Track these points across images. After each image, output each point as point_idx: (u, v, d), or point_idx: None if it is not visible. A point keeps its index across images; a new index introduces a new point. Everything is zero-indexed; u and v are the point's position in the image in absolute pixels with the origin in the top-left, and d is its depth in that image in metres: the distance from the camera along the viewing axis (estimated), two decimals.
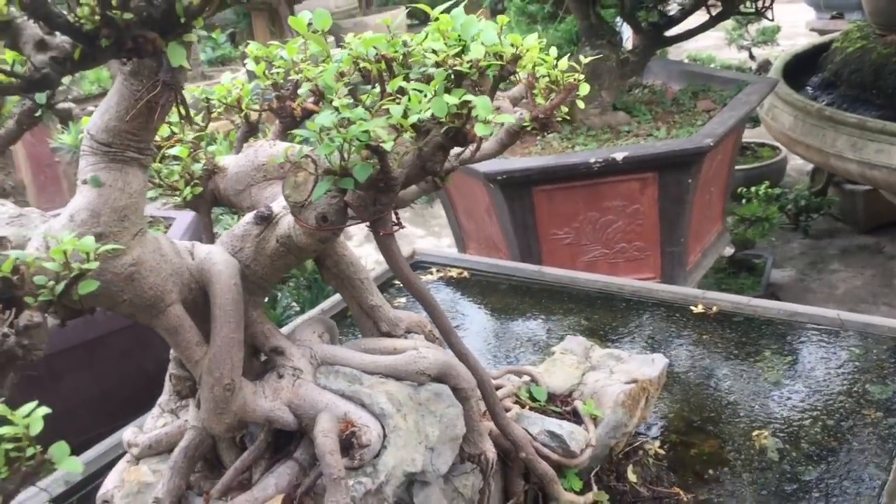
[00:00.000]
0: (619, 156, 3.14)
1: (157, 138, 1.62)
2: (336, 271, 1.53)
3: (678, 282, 3.48)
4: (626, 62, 3.75)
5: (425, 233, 6.22)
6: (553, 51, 1.60)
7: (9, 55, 0.90)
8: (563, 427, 1.75)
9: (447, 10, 1.29)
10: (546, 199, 3.31)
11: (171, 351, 1.52)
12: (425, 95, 1.17)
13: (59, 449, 0.88)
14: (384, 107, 1.14)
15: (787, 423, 2.06)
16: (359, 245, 5.60)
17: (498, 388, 1.86)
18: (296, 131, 1.28)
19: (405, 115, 1.13)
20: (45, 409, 0.87)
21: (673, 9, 4.12)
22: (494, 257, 3.54)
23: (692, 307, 2.64)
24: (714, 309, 2.61)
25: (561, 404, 1.93)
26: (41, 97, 1.57)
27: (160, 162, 1.67)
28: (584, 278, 2.89)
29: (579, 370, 2.02)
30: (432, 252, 3.26)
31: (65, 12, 0.83)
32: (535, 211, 3.33)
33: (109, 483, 1.55)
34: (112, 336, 2.42)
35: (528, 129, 1.64)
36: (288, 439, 1.49)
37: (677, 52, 7.37)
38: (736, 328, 2.51)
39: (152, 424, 1.61)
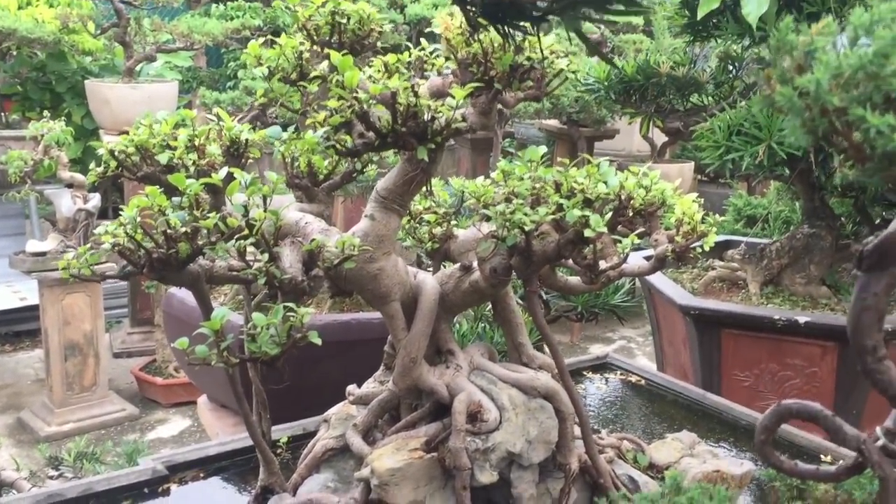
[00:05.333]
0: (801, 319, 3.60)
1: (421, 208, 2.50)
2: (504, 314, 2.30)
3: None
4: (846, 247, 4.17)
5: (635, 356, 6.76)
6: (696, 206, 2.29)
7: (344, 138, 1.81)
8: (641, 477, 2.34)
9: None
10: (732, 342, 3.82)
11: (388, 338, 2.36)
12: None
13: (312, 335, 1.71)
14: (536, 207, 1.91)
15: None
16: None
17: (611, 445, 2.49)
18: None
19: (549, 214, 1.89)
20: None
21: None
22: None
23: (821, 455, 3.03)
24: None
25: (655, 472, 2.50)
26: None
27: (418, 223, 2.55)
28: (739, 410, 3.37)
29: (681, 454, 2.58)
30: (622, 359, 3.89)
31: (375, 122, 1.72)
32: (722, 349, 3.84)
33: (331, 411, 2.40)
34: (360, 343, 3.35)
35: (669, 257, 2.32)
36: (444, 412, 2.25)
37: None
38: None
39: (366, 387, 2.45)
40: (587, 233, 1.86)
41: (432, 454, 2.07)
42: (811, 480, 1.43)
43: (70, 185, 5.75)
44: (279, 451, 2.88)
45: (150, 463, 2.75)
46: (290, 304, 1.72)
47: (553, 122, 8.66)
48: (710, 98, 4.38)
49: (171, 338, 4.21)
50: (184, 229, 1.75)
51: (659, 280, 4.15)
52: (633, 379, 3.71)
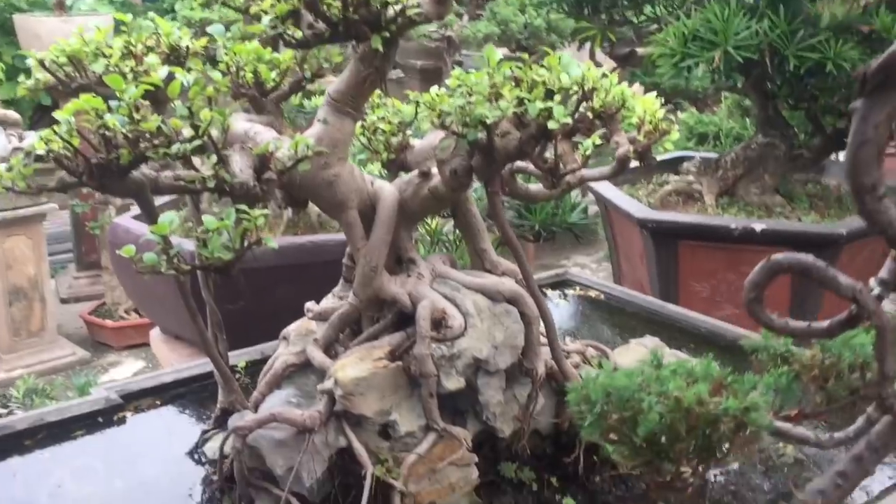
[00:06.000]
0: (758, 227, 3.61)
1: (376, 118, 2.41)
2: (464, 219, 2.23)
3: None
4: (799, 157, 4.18)
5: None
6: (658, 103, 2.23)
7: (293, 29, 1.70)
8: None
9: None
10: (689, 253, 3.82)
11: (346, 250, 2.28)
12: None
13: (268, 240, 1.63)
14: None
15: None
16: None
17: (576, 350, 2.47)
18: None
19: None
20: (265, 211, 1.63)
21: None
22: None
23: None
24: None
25: None
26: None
27: (372, 134, 2.45)
28: (698, 317, 3.38)
29: (643, 358, 2.56)
30: (581, 276, 3.87)
31: (324, 10, 1.61)
32: (679, 261, 3.85)
33: (290, 327, 2.33)
34: (316, 266, 3.28)
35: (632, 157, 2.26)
36: (406, 323, 2.19)
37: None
38: None
39: (325, 303, 2.37)
40: (551, 125, 1.80)
41: (397, 363, 2.02)
42: (803, 338, 1.40)
43: (3, 124, 5.50)
44: (237, 376, 2.81)
45: (104, 392, 2.67)
46: (243, 207, 1.63)
47: (503, 51, 8.53)
48: (663, 8, 4.32)
49: (120, 272, 4.08)
50: (123, 131, 1.64)
51: (615, 195, 4.13)
52: (593, 294, 3.70)
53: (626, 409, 1.29)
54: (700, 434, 1.25)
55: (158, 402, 2.72)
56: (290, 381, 2.20)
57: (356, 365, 1.98)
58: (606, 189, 4.23)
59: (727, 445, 1.32)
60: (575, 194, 5.99)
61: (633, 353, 2.60)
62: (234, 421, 2.02)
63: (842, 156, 5.34)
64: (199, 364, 2.89)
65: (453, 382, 2.03)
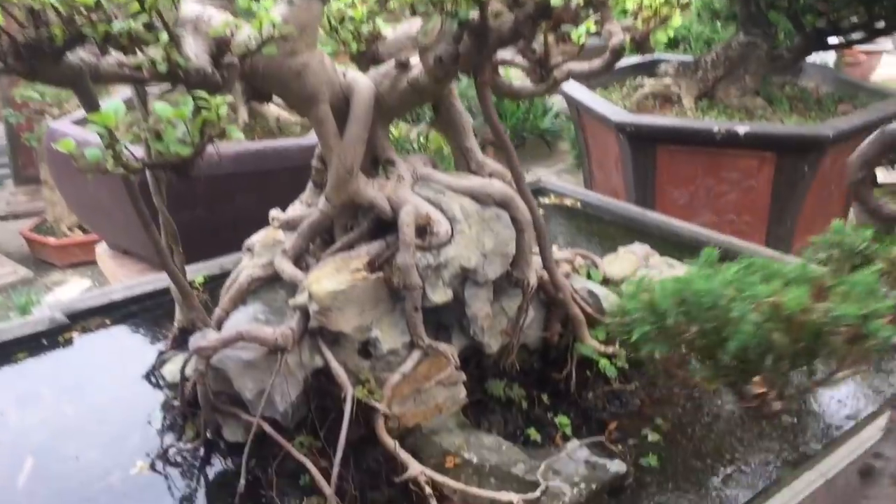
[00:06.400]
0: (741, 130, 3.44)
1: (343, 5, 2.14)
2: (448, 115, 2.01)
3: None
4: (780, 57, 4.00)
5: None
6: None
7: None
8: (600, 290, 2.16)
9: None
10: (668, 158, 3.65)
11: (315, 151, 2.05)
12: None
13: (232, 129, 1.40)
14: None
15: None
16: None
17: (565, 259, 2.29)
18: None
19: None
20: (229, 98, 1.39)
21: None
22: None
23: None
24: None
25: (612, 286, 2.33)
26: None
27: (340, 23, 2.19)
28: (680, 225, 3.23)
29: (635, 266, 2.41)
30: (555, 183, 3.69)
31: None
32: (657, 167, 3.68)
33: (254, 238, 2.11)
34: (278, 173, 3.03)
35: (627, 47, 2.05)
36: (383, 232, 1.99)
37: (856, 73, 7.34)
38: None
39: (292, 210, 2.15)
40: (554, 1, 1.57)
41: (377, 275, 1.82)
42: None
43: None
44: (195, 292, 2.60)
45: (47, 312, 2.43)
46: (202, 93, 1.39)
47: None
48: None
49: (62, 183, 3.77)
50: (54, 3, 1.37)
51: (589, 98, 3.91)
52: (569, 202, 3.52)
53: (708, 319, 1.07)
54: (803, 348, 1.02)
55: (108, 322, 2.49)
56: (256, 296, 1.99)
57: (332, 277, 1.78)
58: (579, 92, 4.02)
59: (836, 361, 1.10)
60: (546, 98, 5.77)
61: (624, 262, 2.45)
62: (196, 341, 1.81)
63: (820, 56, 5.18)
64: (152, 280, 2.66)
65: (440, 295, 1.84)
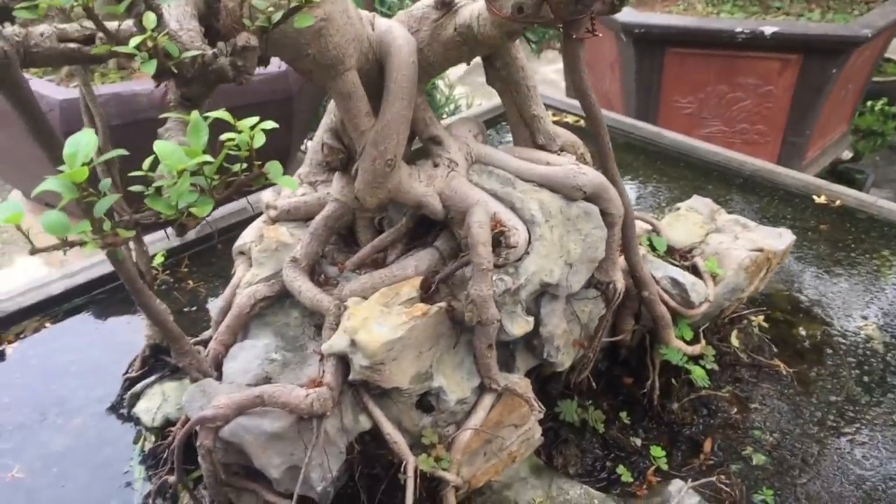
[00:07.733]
0: (767, 30, 2.98)
1: None
2: (505, 73, 1.50)
3: None
4: None
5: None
6: None
7: None
8: (686, 277, 1.74)
9: None
10: (677, 63, 3.19)
11: (324, 121, 1.53)
12: None
13: (274, 167, 0.89)
14: None
15: None
16: None
17: None
18: None
19: None
20: (271, 124, 0.87)
21: None
22: None
23: (814, 196, 2.57)
24: (837, 202, 2.54)
25: (680, 258, 1.92)
26: None
27: None
28: (705, 149, 2.81)
29: (703, 229, 1.99)
30: (554, 97, 3.19)
31: None
32: (663, 72, 3.21)
33: (247, 237, 1.60)
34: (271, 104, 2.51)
35: None
36: (426, 229, 1.51)
37: None
38: (857, 224, 2.45)
39: (290, 193, 1.63)
40: None
41: (438, 306, 1.35)
42: None
43: None
44: (155, 273, 2.09)
45: None
46: (224, 114, 0.86)
47: None
48: None
49: None
50: None
51: None
52: (571, 120, 3.05)
53: None
54: None
55: (48, 324, 1.97)
56: (263, 321, 1.50)
57: (382, 317, 1.30)
58: None
59: None
60: None
61: (686, 223, 2.03)
62: (197, 405, 1.33)
63: None
64: (97, 262, 2.12)
65: (520, 326, 1.39)
